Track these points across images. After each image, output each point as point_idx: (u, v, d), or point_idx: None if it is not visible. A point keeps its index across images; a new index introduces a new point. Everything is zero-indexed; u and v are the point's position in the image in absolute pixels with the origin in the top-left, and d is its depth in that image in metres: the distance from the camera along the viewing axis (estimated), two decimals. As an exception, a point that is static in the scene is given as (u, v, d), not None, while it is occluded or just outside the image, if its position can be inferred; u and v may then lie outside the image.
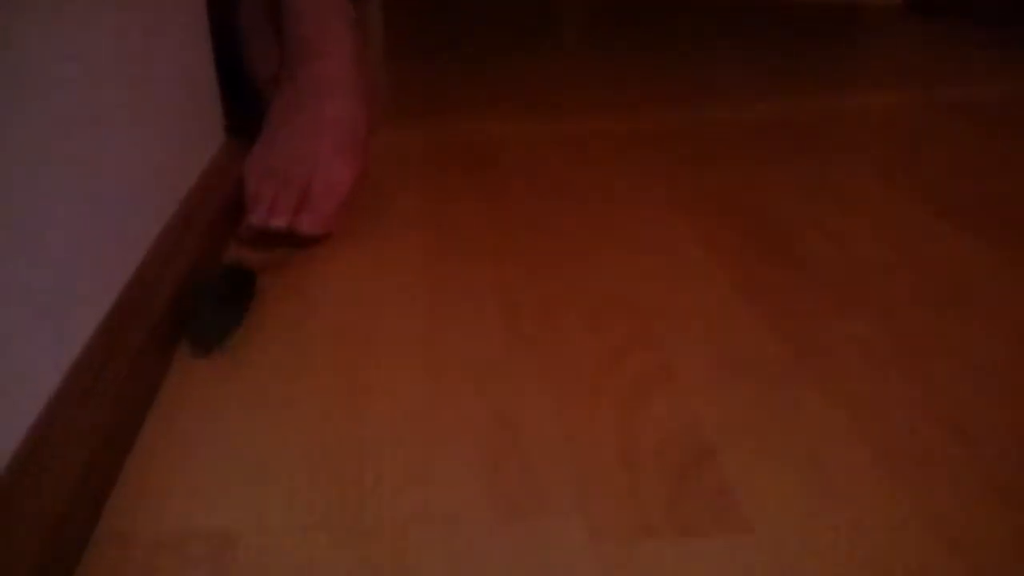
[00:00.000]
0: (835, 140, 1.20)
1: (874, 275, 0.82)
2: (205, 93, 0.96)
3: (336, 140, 0.92)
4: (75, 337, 0.59)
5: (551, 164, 1.14)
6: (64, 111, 0.59)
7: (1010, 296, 0.78)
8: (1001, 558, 0.50)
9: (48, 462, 0.51)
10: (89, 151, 0.63)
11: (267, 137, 0.96)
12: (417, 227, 0.96)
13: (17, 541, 0.46)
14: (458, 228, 0.96)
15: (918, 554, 0.50)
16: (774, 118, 1.29)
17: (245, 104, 1.09)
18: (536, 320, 0.76)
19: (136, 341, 0.65)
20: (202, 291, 0.74)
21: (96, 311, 0.63)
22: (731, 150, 1.17)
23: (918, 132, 1.22)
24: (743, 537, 0.52)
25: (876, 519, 0.53)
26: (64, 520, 0.50)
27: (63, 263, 0.58)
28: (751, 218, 0.96)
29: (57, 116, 0.58)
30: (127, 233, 0.70)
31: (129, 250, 0.70)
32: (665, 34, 1.85)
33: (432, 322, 0.77)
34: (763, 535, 0.52)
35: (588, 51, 1.74)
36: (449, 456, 0.60)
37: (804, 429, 0.61)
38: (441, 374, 0.69)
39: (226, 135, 1.03)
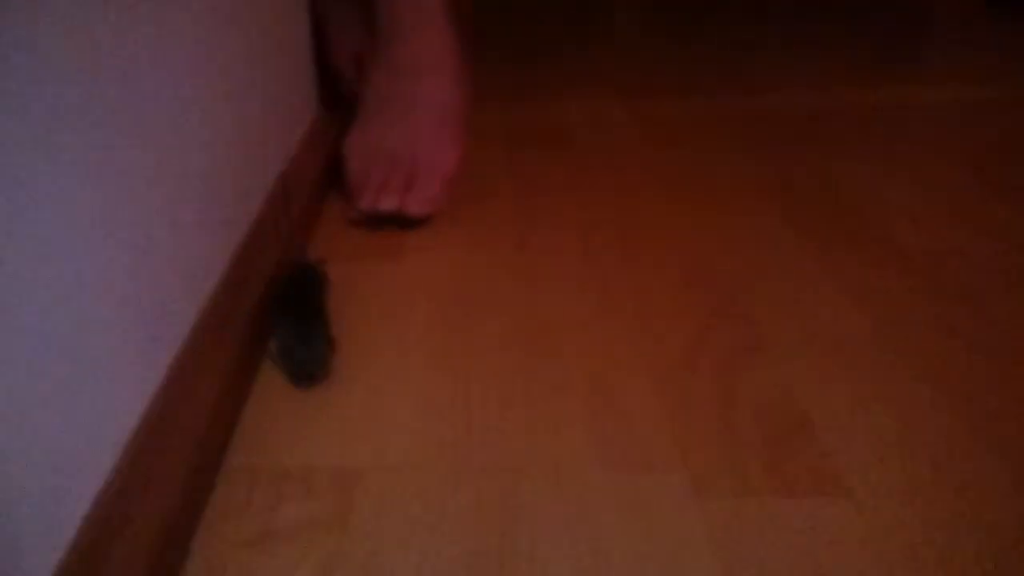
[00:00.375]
0: (915, 130, 1.20)
1: (957, 259, 0.83)
2: (304, 64, 1.00)
3: (437, 118, 0.92)
4: (208, 277, 0.63)
5: (626, 144, 1.15)
6: (177, 88, 0.62)
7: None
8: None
9: (183, 401, 0.55)
10: (207, 118, 0.66)
11: (364, 119, 0.95)
12: (504, 203, 0.98)
13: (166, 468, 0.50)
14: (543, 203, 0.98)
15: (1020, 521, 0.52)
16: (852, 106, 1.29)
17: (325, 83, 1.11)
18: (625, 290, 0.78)
19: (259, 284, 0.69)
20: (284, 323, 0.67)
21: (222, 256, 0.66)
22: (808, 135, 1.17)
23: (996, 126, 1.21)
24: (843, 500, 0.54)
25: (975, 486, 0.54)
26: (201, 451, 0.54)
27: (203, 210, 0.61)
28: (833, 199, 0.96)
29: (172, 92, 0.61)
30: (244, 194, 0.73)
31: (247, 205, 0.74)
32: (730, 22, 1.85)
33: (526, 289, 0.79)
34: (862, 498, 0.54)
35: (652, 38, 1.75)
36: (551, 412, 0.62)
37: (895, 400, 0.63)
38: (537, 337, 0.71)
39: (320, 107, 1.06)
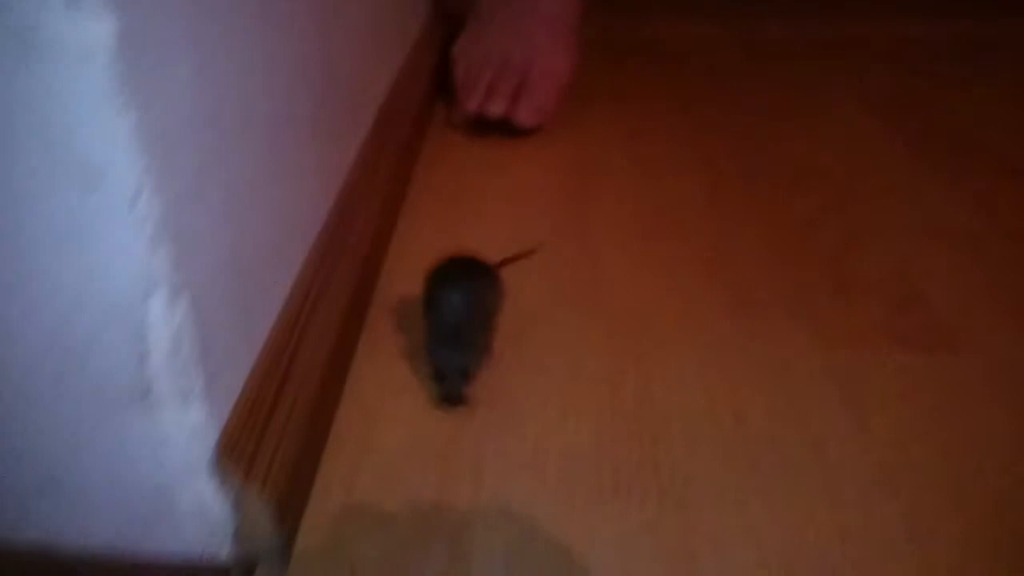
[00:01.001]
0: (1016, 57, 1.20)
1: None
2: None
3: (552, 29, 0.91)
4: (356, 140, 0.68)
5: (733, 62, 1.17)
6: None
7: None
8: None
9: (353, 215, 0.60)
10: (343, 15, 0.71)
11: (476, 24, 0.95)
12: (613, 113, 1.00)
13: (340, 275, 0.55)
14: (652, 113, 1.00)
15: None
16: (955, 35, 1.28)
17: None
18: (738, 186, 0.81)
19: (397, 140, 0.74)
20: (436, 334, 0.52)
21: (362, 128, 0.71)
22: (912, 59, 1.17)
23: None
24: (958, 356, 0.57)
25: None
26: (365, 267, 0.59)
27: (352, 84, 0.66)
28: (933, 115, 0.97)
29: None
30: (376, 75, 0.78)
31: (379, 85, 0.79)
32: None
33: (640, 179, 0.82)
34: (976, 356, 0.57)
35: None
36: (675, 276, 0.66)
37: (1006, 278, 0.65)
38: (655, 218, 0.75)
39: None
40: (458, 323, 0.51)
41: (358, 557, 0.42)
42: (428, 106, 0.96)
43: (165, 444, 0.36)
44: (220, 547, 0.39)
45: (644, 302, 0.62)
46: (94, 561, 0.39)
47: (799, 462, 0.48)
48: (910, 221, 0.74)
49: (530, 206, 0.77)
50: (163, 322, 0.33)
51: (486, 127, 0.90)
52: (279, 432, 0.41)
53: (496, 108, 0.88)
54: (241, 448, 0.38)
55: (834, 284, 0.65)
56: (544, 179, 0.82)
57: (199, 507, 0.38)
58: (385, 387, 0.53)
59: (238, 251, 0.39)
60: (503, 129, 0.90)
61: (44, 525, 0.39)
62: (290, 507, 0.41)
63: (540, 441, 0.49)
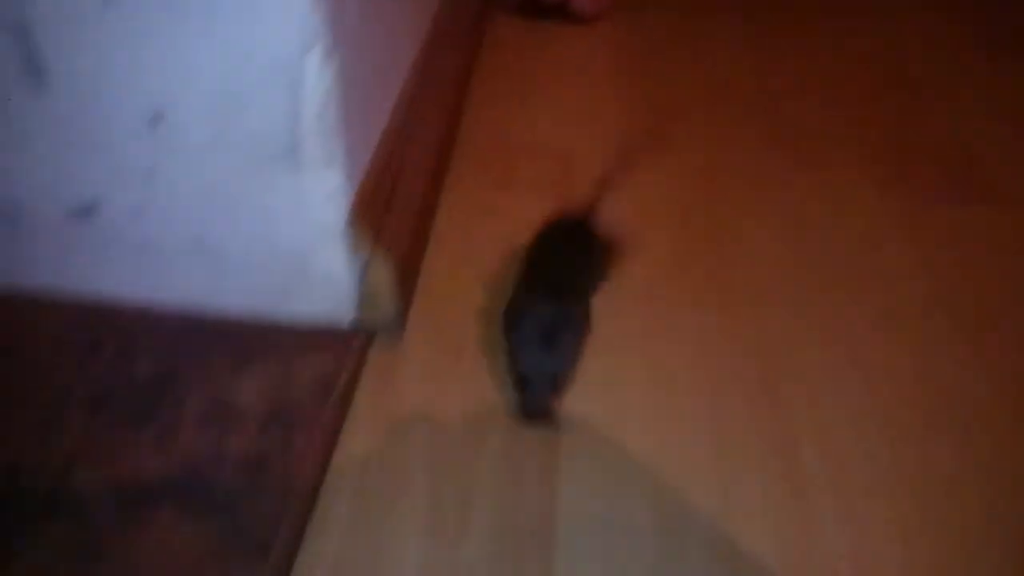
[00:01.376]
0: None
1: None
2: None
3: None
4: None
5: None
6: None
7: None
8: None
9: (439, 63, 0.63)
10: None
11: None
12: (676, 5, 1.02)
13: (432, 110, 0.58)
14: (713, 8, 1.01)
15: None
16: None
17: None
18: (801, 67, 0.82)
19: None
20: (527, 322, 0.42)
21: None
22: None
23: None
24: (1014, 210, 0.60)
25: None
26: (449, 114, 0.62)
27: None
28: (995, 8, 0.98)
29: None
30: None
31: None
32: None
33: (700, 64, 0.84)
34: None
35: None
36: (740, 133, 0.69)
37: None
38: (712, 86, 0.78)
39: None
40: (554, 325, 0.41)
41: (464, 340, 0.46)
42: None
43: (305, 206, 0.40)
44: (345, 314, 0.43)
45: (711, 159, 0.65)
46: (231, 324, 0.43)
47: (860, 282, 0.52)
48: (967, 98, 0.76)
49: (595, 76, 0.79)
50: (316, 80, 0.36)
51: (542, 14, 0.88)
52: (400, 207, 0.44)
53: None
54: (370, 216, 0.42)
55: (894, 145, 0.68)
56: (604, 52, 0.84)
57: (330, 273, 0.42)
58: (475, 208, 0.57)
59: (372, 30, 0.43)
60: (558, 17, 0.88)
61: (187, 287, 0.43)
62: (406, 282, 0.45)
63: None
